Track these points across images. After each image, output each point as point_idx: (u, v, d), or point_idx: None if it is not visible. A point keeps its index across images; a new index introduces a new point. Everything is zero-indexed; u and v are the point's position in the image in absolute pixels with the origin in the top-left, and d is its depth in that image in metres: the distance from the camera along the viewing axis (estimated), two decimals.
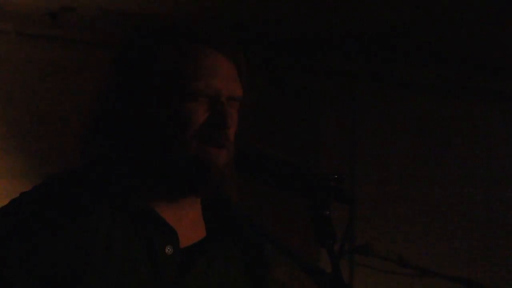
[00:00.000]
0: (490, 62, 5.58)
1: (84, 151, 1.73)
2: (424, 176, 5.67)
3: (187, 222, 1.73)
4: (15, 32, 4.53)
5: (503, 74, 5.76)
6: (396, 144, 5.62)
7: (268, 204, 4.95)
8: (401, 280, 4.79)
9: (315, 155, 5.31)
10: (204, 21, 1.74)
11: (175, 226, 1.69)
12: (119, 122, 1.69)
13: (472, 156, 5.81)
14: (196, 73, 1.67)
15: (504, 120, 5.93)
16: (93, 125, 1.72)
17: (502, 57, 5.45)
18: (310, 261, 1.59)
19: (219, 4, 4.41)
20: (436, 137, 5.74)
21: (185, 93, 1.66)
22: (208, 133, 1.66)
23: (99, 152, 1.71)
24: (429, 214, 5.66)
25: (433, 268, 4.51)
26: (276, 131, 5.09)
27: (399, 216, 5.56)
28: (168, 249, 1.67)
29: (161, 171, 1.68)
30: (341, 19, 4.82)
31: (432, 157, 5.72)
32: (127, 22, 4.27)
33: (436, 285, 4.97)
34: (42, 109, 4.54)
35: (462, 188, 5.76)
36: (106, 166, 1.70)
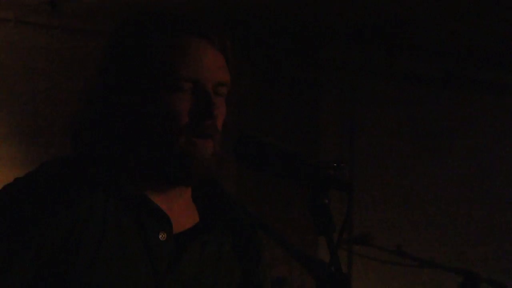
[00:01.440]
0: (491, 56, 5.58)
1: (75, 140, 1.73)
2: (422, 167, 5.68)
3: (179, 209, 1.74)
4: (15, 20, 4.53)
5: (504, 67, 5.76)
6: (395, 135, 5.63)
7: (267, 193, 4.95)
8: (399, 270, 4.79)
9: (315, 146, 5.31)
10: (190, 11, 1.74)
11: (168, 213, 1.70)
12: (111, 112, 1.70)
13: (471, 146, 5.82)
14: (181, 63, 1.67)
15: (504, 113, 5.93)
16: (85, 114, 1.73)
17: (503, 50, 5.45)
18: (301, 248, 1.58)
19: None
20: (435, 129, 5.75)
21: (171, 83, 1.67)
22: (195, 124, 1.67)
23: (90, 141, 1.72)
24: (427, 205, 5.67)
25: (431, 259, 4.51)
26: (276, 122, 5.10)
27: (398, 207, 5.57)
28: (162, 235, 1.68)
29: (151, 161, 1.69)
30: (342, 12, 4.81)
31: (431, 148, 5.72)
32: (127, 10, 4.26)
33: (434, 276, 4.98)
34: (42, 97, 4.54)
35: (461, 178, 5.76)
36: (98, 155, 1.71)
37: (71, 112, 1.77)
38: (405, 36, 5.21)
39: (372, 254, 4.46)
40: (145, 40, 1.69)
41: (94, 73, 1.74)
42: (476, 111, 5.86)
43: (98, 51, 1.76)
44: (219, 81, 1.70)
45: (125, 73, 1.70)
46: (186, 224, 1.74)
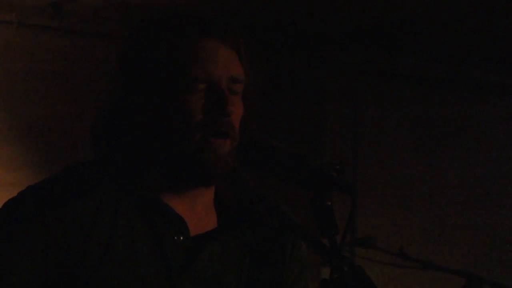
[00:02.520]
0: (493, 56, 5.58)
1: (97, 144, 1.74)
2: (425, 169, 5.67)
3: (197, 212, 1.74)
4: (18, 22, 4.53)
5: (505, 68, 5.75)
6: (398, 136, 5.62)
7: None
8: (402, 273, 4.79)
9: (318, 147, 5.31)
10: (203, 11, 1.75)
11: (186, 215, 1.69)
12: (125, 114, 1.71)
13: (474, 148, 5.82)
14: (195, 62, 1.68)
15: (508, 114, 5.93)
16: (99, 118, 1.73)
17: (506, 51, 5.44)
18: (325, 244, 1.57)
19: None
20: (438, 130, 5.74)
21: (185, 82, 1.67)
22: (210, 122, 1.66)
23: (106, 144, 1.72)
24: (430, 207, 5.66)
25: (434, 261, 4.51)
26: (279, 123, 5.09)
27: (400, 209, 5.56)
28: (177, 237, 1.68)
29: (167, 161, 1.69)
30: (344, 13, 4.81)
31: (434, 149, 5.72)
32: (129, 12, 4.26)
33: (437, 278, 4.97)
34: (44, 100, 4.54)
35: (463, 180, 5.76)
36: (114, 157, 1.71)
37: (92, 117, 1.77)
38: (407, 36, 5.20)
39: (375, 256, 4.46)
40: (159, 42, 1.70)
41: (109, 76, 1.75)
42: (479, 112, 5.85)
43: (104, 52, 1.76)
44: (232, 75, 1.70)
45: (139, 75, 1.70)
46: (206, 226, 1.74)
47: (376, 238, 4.38)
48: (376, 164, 5.55)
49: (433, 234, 5.64)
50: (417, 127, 5.69)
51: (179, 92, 1.67)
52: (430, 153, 5.71)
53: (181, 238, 1.68)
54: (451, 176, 5.74)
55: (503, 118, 5.92)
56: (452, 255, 5.54)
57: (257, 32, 4.89)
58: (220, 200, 1.79)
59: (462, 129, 5.81)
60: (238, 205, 1.78)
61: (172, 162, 1.69)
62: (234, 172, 1.72)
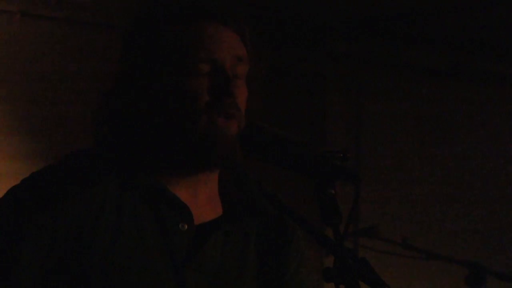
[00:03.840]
0: (494, 46, 5.57)
1: (97, 131, 1.73)
2: (428, 158, 5.67)
3: (202, 200, 1.73)
4: (20, 12, 4.52)
5: (506, 57, 5.74)
6: (401, 126, 5.62)
7: (273, 184, 4.95)
8: (406, 263, 4.79)
9: (321, 137, 5.31)
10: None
11: (190, 203, 1.68)
12: (129, 100, 1.70)
13: (474, 137, 5.82)
14: (197, 46, 1.67)
15: (507, 104, 5.92)
16: (102, 104, 1.73)
17: (505, 40, 5.43)
18: (326, 234, 1.56)
19: None
20: (440, 119, 5.74)
21: (188, 66, 1.66)
22: (214, 103, 1.66)
23: (109, 131, 1.72)
24: (433, 196, 5.66)
25: (438, 251, 4.51)
26: (282, 113, 5.09)
27: (404, 199, 5.56)
28: (182, 225, 1.67)
29: (172, 147, 1.69)
30: (347, 3, 4.81)
31: (436, 139, 5.72)
32: (132, 3, 4.25)
33: (441, 268, 4.97)
34: (46, 90, 4.54)
35: (466, 169, 5.76)
36: (116, 145, 1.71)
37: (92, 106, 1.76)
38: (410, 27, 5.20)
39: (378, 246, 4.46)
40: (161, 27, 1.70)
41: (112, 62, 1.75)
42: (483, 103, 5.85)
43: (107, 42, 1.76)
44: (235, 54, 1.69)
45: (143, 60, 1.70)
46: (210, 215, 1.73)
47: (380, 228, 4.38)
48: (379, 155, 5.55)
49: (437, 224, 5.64)
50: (420, 118, 5.68)
51: (183, 75, 1.66)
52: (433, 144, 5.71)
53: (186, 226, 1.67)
54: (454, 167, 5.74)
55: (508, 110, 5.92)
56: (455, 245, 5.55)
57: (260, 23, 4.88)
58: (223, 190, 1.78)
59: (467, 120, 5.81)
60: (240, 194, 1.78)
61: (178, 146, 1.68)
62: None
